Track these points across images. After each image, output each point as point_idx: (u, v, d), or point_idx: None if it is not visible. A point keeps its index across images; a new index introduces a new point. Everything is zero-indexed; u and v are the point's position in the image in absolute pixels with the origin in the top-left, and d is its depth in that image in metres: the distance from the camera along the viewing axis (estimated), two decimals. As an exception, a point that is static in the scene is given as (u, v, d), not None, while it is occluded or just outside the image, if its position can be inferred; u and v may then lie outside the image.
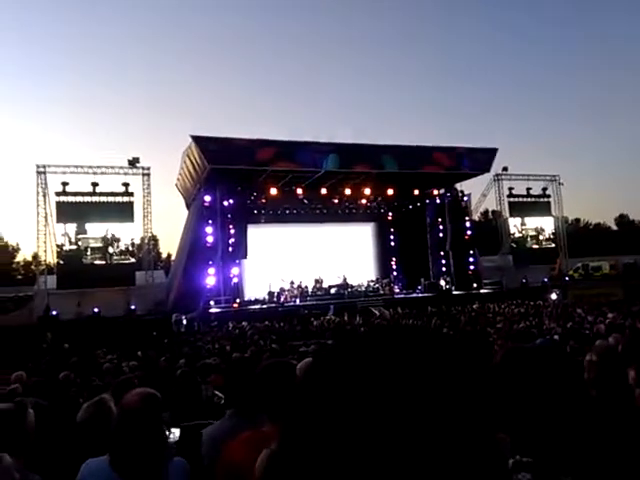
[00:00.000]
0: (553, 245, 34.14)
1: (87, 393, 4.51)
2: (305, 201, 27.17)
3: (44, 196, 24.87)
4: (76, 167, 25.21)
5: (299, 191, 25.15)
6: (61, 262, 24.65)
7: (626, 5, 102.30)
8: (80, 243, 24.97)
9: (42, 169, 24.73)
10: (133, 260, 26.22)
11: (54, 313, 22.47)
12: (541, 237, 34.24)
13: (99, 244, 25.30)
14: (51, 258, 25.36)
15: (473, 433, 0.42)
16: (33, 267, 32.56)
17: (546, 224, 34.53)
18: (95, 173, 25.45)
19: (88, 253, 25.08)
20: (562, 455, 0.95)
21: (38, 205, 24.87)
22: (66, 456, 2.40)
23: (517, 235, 33.77)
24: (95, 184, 25.31)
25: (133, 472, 1.90)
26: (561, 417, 1.01)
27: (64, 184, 24.85)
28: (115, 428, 2.00)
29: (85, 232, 25.04)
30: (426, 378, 0.42)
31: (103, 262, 25.24)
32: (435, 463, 0.40)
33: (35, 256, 29.35)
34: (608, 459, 1.06)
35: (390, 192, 26.84)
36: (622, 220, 64.71)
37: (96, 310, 22.88)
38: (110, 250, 25.40)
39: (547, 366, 1.15)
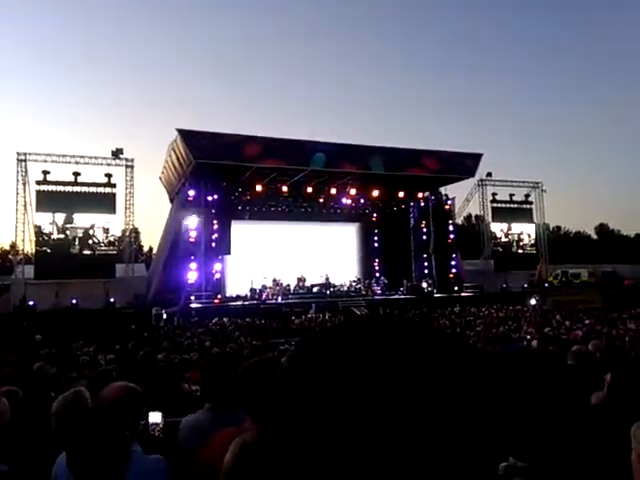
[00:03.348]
0: (534, 251, 34.61)
1: (62, 385, 4.42)
2: (290, 199, 27.15)
3: (24, 184, 24.39)
4: (58, 156, 24.76)
5: (284, 189, 25.09)
6: (48, 250, 24.24)
7: (619, 12, 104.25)
8: (68, 232, 24.61)
9: (23, 157, 24.25)
10: (114, 252, 25.88)
11: (30, 303, 22.07)
12: (525, 242, 34.69)
13: (85, 234, 24.98)
14: (29, 247, 24.92)
15: (460, 429, 0.40)
16: (10, 256, 31.91)
17: (528, 230, 34.99)
18: (77, 163, 25.03)
19: (76, 243, 24.73)
20: (557, 461, 0.93)
21: (18, 194, 24.38)
22: (37, 448, 2.34)
23: (504, 240, 34.16)
24: (77, 174, 24.89)
25: (89, 472, 1.79)
26: (554, 421, 1.00)
27: (45, 173, 24.40)
28: (87, 422, 1.93)
29: (73, 221, 24.68)
30: (406, 371, 0.40)
31: (89, 252, 24.92)
32: (413, 457, 0.39)
33: (13, 245, 28.81)
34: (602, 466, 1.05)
35: (375, 193, 26.92)
36: (602, 229, 65.92)
37: (74, 301, 22.53)
38: (97, 238, 25.07)
39: (537, 369, 1.14)
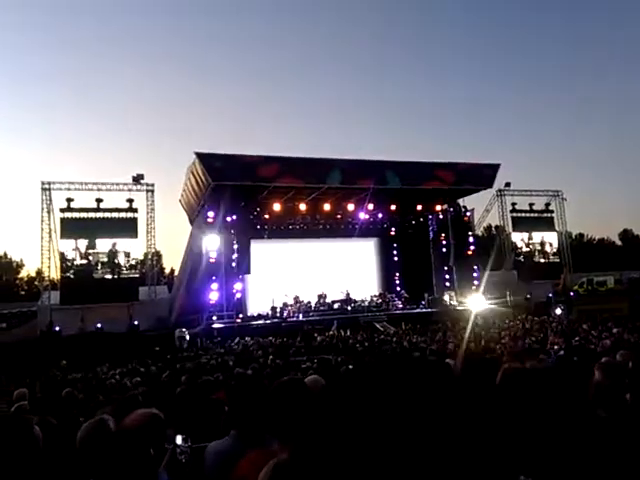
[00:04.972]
0: (557, 260, 34.09)
1: (91, 410, 4.48)
2: (308, 216, 27.27)
3: (48, 212, 25.05)
4: (81, 184, 25.41)
5: (302, 207, 25.25)
6: (71, 276, 24.77)
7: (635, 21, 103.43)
8: (91, 257, 25.14)
9: (47, 186, 24.94)
10: (137, 275, 26.29)
11: (56, 329, 22.46)
12: (548, 251, 34.20)
13: (107, 258, 25.47)
14: (54, 274, 25.46)
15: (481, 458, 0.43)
16: (37, 283, 32.59)
17: (550, 239, 34.52)
18: (99, 189, 25.65)
19: (99, 267, 25.24)
20: (565, 477, 0.94)
21: (42, 221, 25.04)
22: (68, 475, 2.38)
23: (525, 249, 33.73)
24: (99, 200, 25.49)
25: None
26: (563, 438, 1.00)
27: (69, 200, 25.03)
28: (111, 450, 1.96)
29: (95, 247, 25.22)
30: (448, 407, 0.42)
31: (112, 276, 25.36)
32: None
33: (39, 272, 29.46)
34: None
35: (393, 207, 26.89)
36: (626, 235, 64.53)
37: (99, 326, 22.86)
38: (119, 262, 25.56)
39: (548, 387, 1.14)
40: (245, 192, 23.07)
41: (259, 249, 26.05)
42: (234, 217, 23.90)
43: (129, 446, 1.88)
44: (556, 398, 1.13)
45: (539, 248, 34.11)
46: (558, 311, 22.09)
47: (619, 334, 11.13)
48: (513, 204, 33.63)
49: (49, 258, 25.09)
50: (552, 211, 34.58)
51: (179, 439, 2.46)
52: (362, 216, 27.36)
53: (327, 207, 25.62)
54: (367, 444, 0.42)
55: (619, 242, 64.59)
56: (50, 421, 2.97)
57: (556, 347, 10.00)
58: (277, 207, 24.59)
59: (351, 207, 26.13)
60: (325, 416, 0.46)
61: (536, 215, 34.28)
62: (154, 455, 2.02)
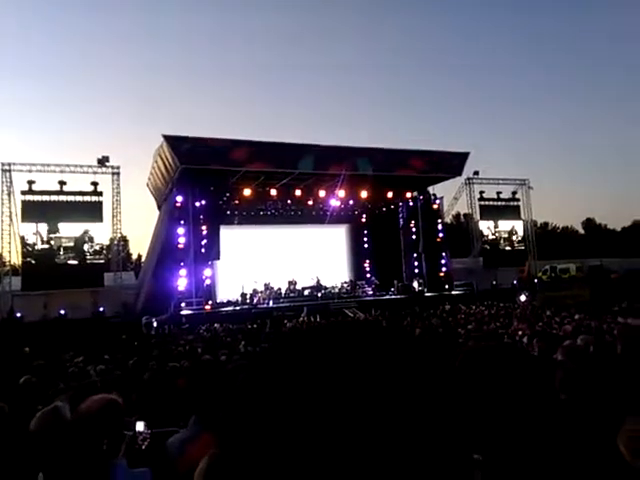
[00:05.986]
0: (523, 248, 34.90)
1: (49, 398, 4.33)
2: (279, 202, 27.10)
3: (9, 195, 24.16)
4: (43, 165, 24.52)
5: (273, 192, 25.05)
6: (32, 261, 23.93)
7: (603, 17, 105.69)
8: (53, 242, 24.33)
9: (7, 167, 24.00)
10: (102, 261, 25.65)
11: (18, 315, 21.82)
12: (514, 238, 34.96)
13: (72, 243, 24.67)
14: (15, 259, 24.65)
15: (417, 431, 0.41)
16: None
17: (516, 227, 35.29)
18: (63, 172, 24.82)
19: (61, 252, 24.44)
20: (515, 455, 0.92)
21: (3, 204, 24.16)
22: (21, 465, 2.28)
23: (490, 237, 34.36)
24: (63, 183, 24.67)
25: None
26: (516, 416, 0.98)
27: (30, 183, 24.15)
28: (65, 437, 1.87)
29: (57, 231, 24.39)
30: (361, 380, 0.40)
31: (76, 262, 24.61)
32: (373, 465, 0.39)
33: (-1, 256, 28.46)
34: (563, 460, 1.04)
35: (364, 194, 26.96)
36: (589, 224, 66.57)
37: (62, 312, 22.30)
38: (85, 248, 24.83)
39: (504, 365, 1.12)
40: (215, 176, 22.70)
41: (229, 235, 25.77)
42: (203, 202, 23.53)
43: (83, 433, 1.79)
44: (514, 378, 1.10)
45: (505, 236, 34.80)
46: (523, 297, 22.66)
47: (581, 320, 11.46)
48: (481, 192, 34.18)
49: (9, 242, 24.26)
50: (518, 200, 35.31)
51: (140, 425, 2.38)
52: (333, 203, 27.33)
53: (298, 193, 25.51)
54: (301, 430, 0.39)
55: (582, 231, 66.59)
56: (3, 408, 2.85)
57: (520, 332, 10.22)
58: (247, 192, 24.33)
59: (322, 193, 26.07)
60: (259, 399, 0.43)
61: (503, 204, 34.94)
62: (111, 442, 1.94)
